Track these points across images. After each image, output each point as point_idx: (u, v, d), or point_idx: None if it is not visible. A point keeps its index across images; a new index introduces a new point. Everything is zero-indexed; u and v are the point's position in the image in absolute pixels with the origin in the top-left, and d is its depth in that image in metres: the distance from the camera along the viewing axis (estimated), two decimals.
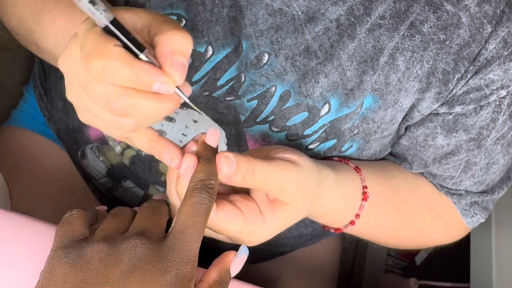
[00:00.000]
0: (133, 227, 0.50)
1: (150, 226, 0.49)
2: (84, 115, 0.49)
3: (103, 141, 0.75)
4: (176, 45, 0.44)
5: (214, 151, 0.51)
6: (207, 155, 0.50)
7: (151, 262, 0.46)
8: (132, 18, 0.46)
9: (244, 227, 0.51)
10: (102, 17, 0.43)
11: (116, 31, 0.43)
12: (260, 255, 0.89)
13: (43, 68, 0.87)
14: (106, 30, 0.43)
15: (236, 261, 0.52)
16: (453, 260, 1.05)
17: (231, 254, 0.52)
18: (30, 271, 0.50)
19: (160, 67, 0.44)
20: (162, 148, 0.50)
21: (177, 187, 0.50)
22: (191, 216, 0.47)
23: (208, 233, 0.53)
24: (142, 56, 0.44)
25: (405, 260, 1.40)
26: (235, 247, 0.53)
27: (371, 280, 1.36)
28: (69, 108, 0.79)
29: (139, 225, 0.50)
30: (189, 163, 0.49)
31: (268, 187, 0.52)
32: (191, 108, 0.47)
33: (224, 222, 0.51)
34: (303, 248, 0.92)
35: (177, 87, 0.45)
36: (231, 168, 0.49)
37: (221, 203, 0.51)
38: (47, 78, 0.86)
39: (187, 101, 0.46)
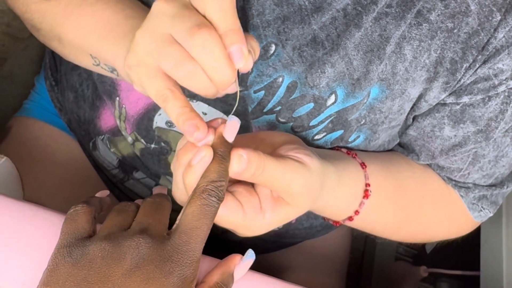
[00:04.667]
0: (135, 223, 0.50)
1: (153, 224, 0.49)
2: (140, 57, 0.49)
3: (114, 132, 0.76)
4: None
5: (230, 146, 0.49)
6: (222, 152, 0.49)
7: (154, 262, 0.46)
8: None
9: (241, 222, 0.51)
10: None
11: None
12: (271, 246, 0.89)
13: (54, 59, 0.88)
14: None
15: (241, 266, 0.52)
16: (463, 248, 1.05)
17: (236, 257, 0.52)
18: (41, 260, 0.51)
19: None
20: (191, 117, 0.48)
21: (185, 177, 0.49)
22: (198, 217, 0.47)
23: None
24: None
25: (415, 248, 1.40)
26: (244, 240, 0.52)
27: (381, 268, 1.36)
28: (80, 99, 0.79)
29: (141, 222, 0.50)
30: (205, 158, 0.48)
31: (276, 186, 0.51)
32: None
33: (224, 214, 0.50)
34: None
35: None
36: (242, 166, 0.48)
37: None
38: (58, 69, 0.86)
39: (237, 85, 0.48)
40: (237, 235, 0.54)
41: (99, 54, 0.60)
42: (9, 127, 0.88)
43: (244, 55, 0.46)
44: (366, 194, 0.63)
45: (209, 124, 0.50)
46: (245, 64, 0.46)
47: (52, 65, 0.88)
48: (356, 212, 0.64)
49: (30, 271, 0.52)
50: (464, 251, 1.08)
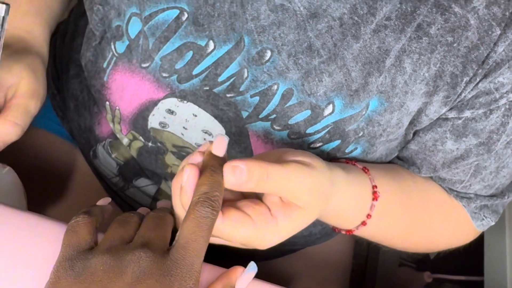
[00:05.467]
0: (138, 237, 0.50)
1: (155, 238, 0.50)
2: None
3: (114, 136, 0.76)
4: None
5: (222, 160, 0.50)
6: (212, 165, 0.49)
7: (154, 276, 0.46)
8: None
9: (254, 232, 0.51)
10: None
11: None
12: (271, 252, 0.89)
13: (56, 67, 0.88)
14: None
15: (243, 278, 0.52)
16: (467, 253, 1.05)
17: (238, 270, 0.52)
18: (45, 270, 0.51)
19: None
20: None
21: (181, 199, 0.50)
22: (193, 230, 0.47)
23: (219, 241, 0.52)
24: None
25: (418, 254, 1.40)
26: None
27: (385, 274, 1.36)
28: (80, 107, 0.79)
29: (144, 236, 0.50)
30: (190, 175, 0.49)
31: (284, 191, 0.51)
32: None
33: (232, 229, 0.50)
34: None
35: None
36: (241, 177, 0.48)
37: (227, 210, 0.51)
38: (59, 77, 0.87)
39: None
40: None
41: None
42: None
43: None
44: (375, 196, 0.63)
45: (198, 150, 0.52)
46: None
47: (54, 74, 0.88)
48: (368, 216, 0.63)
49: (33, 281, 0.53)
50: (467, 257, 1.08)
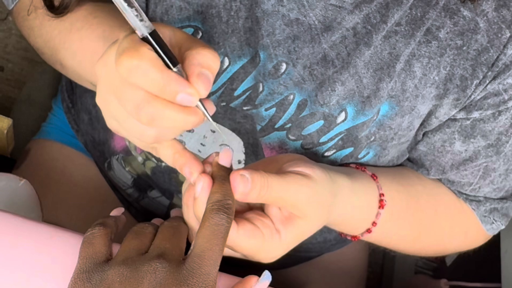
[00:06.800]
0: (153, 247, 0.50)
1: (170, 248, 0.50)
2: (111, 122, 0.50)
3: (127, 152, 0.77)
4: (205, 60, 0.45)
5: (228, 171, 0.51)
6: (221, 175, 0.50)
7: (171, 286, 0.46)
8: (169, 33, 0.47)
9: (262, 244, 0.51)
10: (143, 27, 0.44)
11: (154, 43, 0.45)
12: (287, 260, 0.89)
13: (70, 81, 0.89)
14: (145, 40, 0.45)
15: (258, 287, 0.52)
16: (484, 260, 1.04)
17: (252, 279, 0.52)
18: (61, 281, 0.52)
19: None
20: (185, 162, 0.50)
21: (195, 210, 0.50)
22: (209, 239, 0.47)
23: (224, 251, 0.52)
24: (174, 69, 0.45)
25: (435, 261, 1.39)
26: None
27: (401, 282, 1.35)
28: (94, 121, 0.80)
29: (159, 246, 0.50)
30: (204, 184, 0.50)
31: (283, 202, 0.52)
32: (211, 122, 0.48)
33: (244, 240, 0.51)
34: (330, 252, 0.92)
35: (200, 101, 0.46)
36: (247, 186, 0.49)
37: (240, 221, 0.51)
38: (74, 91, 0.88)
39: (208, 116, 0.47)
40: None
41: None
42: (28, 149, 0.89)
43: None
44: (381, 204, 0.63)
45: (205, 161, 0.52)
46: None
47: (68, 87, 0.89)
48: (374, 224, 0.64)
49: None
50: (484, 263, 1.07)
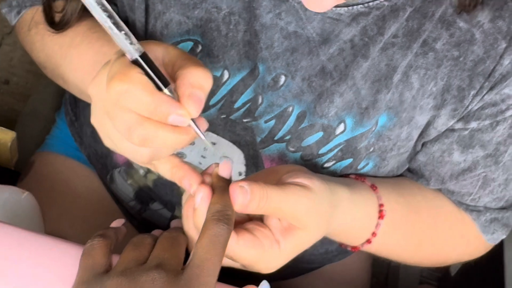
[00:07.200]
0: (152, 258, 0.51)
1: (169, 258, 0.50)
2: (107, 141, 0.50)
3: (129, 165, 0.77)
4: (196, 79, 0.45)
5: (228, 182, 0.51)
6: (221, 186, 0.51)
7: None
8: (162, 51, 0.47)
9: (261, 255, 0.52)
10: (133, 50, 0.45)
11: (144, 65, 0.45)
12: (289, 271, 0.89)
13: (73, 95, 0.90)
14: (135, 63, 0.45)
15: None
16: (488, 269, 1.04)
17: None
18: None
19: (179, 101, 0.45)
20: (184, 174, 0.51)
21: (195, 220, 0.51)
22: (208, 249, 0.48)
23: (224, 262, 0.52)
24: (165, 90, 0.45)
25: (440, 271, 1.38)
26: None
27: None
28: (96, 134, 0.80)
29: (157, 257, 0.51)
30: (204, 195, 0.50)
31: (282, 213, 0.52)
32: (203, 142, 0.49)
33: (244, 250, 0.51)
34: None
35: (193, 120, 0.46)
36: (246, 198, 0.50)
37: (240, 231, 0.52)
38: (77, 104, 0.88)
39: (200, 134, 0.47)
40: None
41: None
42: (33, 161, 0.90)
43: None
44: (381, 215, 0.63)
45: (205, 172, 0.52)
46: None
47: (71, 101, 0.90)
48: (374, 234, 0.64)
49: None
50: (488, 273, 1.07)
